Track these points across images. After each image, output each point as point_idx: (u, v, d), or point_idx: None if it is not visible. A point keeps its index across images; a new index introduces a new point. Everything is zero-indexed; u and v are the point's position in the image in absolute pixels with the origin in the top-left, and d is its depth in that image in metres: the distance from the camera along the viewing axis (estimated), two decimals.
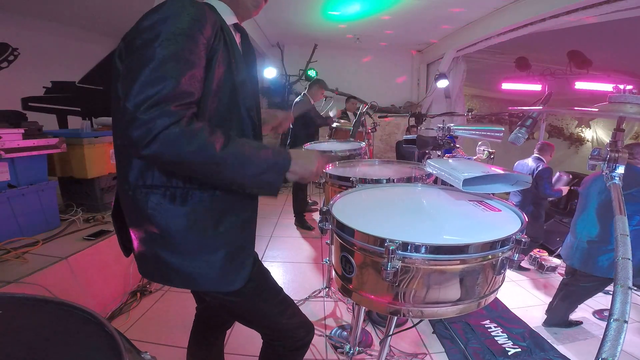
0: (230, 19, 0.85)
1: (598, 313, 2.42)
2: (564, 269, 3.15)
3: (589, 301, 2.33)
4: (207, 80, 0.73)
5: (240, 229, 0.86)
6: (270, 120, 1.18)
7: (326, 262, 2.38)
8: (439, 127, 1.52)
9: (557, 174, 3.14)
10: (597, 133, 8.48)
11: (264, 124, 1.12)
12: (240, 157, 0.71)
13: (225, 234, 0.82)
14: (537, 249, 3.32)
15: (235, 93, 0.80)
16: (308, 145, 2.07)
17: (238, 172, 0.72)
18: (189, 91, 0.67)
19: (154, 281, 0.83)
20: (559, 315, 2.24)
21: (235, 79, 0.79)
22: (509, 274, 2.96)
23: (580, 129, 8.60)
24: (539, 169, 2.99)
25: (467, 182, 0.91)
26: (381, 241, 0.64)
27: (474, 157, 1.84)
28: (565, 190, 3.10)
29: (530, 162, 3.10)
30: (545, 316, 2.28)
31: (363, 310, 1.46)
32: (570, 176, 3.23)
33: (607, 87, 5.22)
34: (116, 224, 0.90)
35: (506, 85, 6.07)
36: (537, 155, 3.11)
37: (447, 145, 1.53)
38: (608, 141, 0.79)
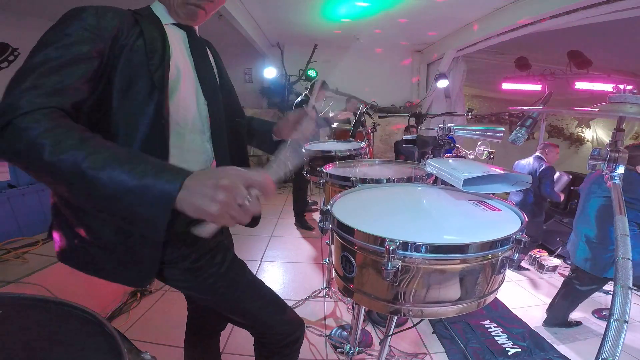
0: (168, 18, 0.85)
1: (597, 313, 2.42)
2: (564, 269, 3.16)
3: (588, 301, 2.33)
4: (110, 74, 0.71)
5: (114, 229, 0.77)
6: (283, 126, 1.05)
7: (326, 262, 2.38)
8: (439, 127, 1.52)
9: (558, 173, 3.14)
10: (597, 133, 8.49)
11: (278, 131, 1.05)
12: (89, 169, 0.53)
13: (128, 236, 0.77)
14: (537, 249, 3.32)
15: (152, 88, 0.74)
16: (308, 146, 2.07)
17: (86, 193, 0.55)
18: (57, 81, 0.61)
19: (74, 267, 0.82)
20: (560, 313, 2.24)
21: (152, 74, 0.74)
22: (509, 274, 2.96)
23: (580, 129, 8.60)
24: (542, 168, 2.98)
25: (467, 182, 0.91)
26: (381, 241, 0.64)
27: (471, 154, 1.84)
28: (562, 196, 3.10)
29: (531, 162, 3.10)
30: (546, 316, 2.28)
31: (363, 310, 1.46)
32: (570, 177, 3.23)
33: (607, 87, 5.23)
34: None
35: (506, 85, 6.07)
36: (539, 154, 3.10)
37: (447, 145, 1.53)
38: (608, 141, 0.79)
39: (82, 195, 0.56)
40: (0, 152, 0.56)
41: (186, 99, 0.84)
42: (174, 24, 0.86)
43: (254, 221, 1.06)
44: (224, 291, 0.88)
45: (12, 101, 0.56)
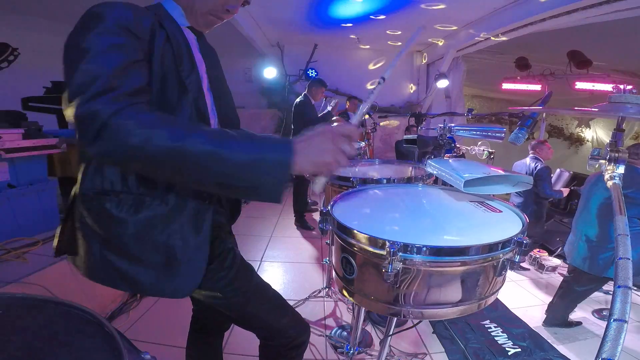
0: (184, 21, 0.83)
1: (597, 312, 2.42)
2: (564, 269, 3.16)
3: (589, 301, 2.33)
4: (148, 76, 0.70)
5: (183, 238, 0.78)
6: None
7: (326, 262, 2.38)
8: (440, 127, 1.52)
9: (557, 170, 3.14)
10: (597, 133, 8.48)
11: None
12: (215, 148, 0.58)
13: (167, 242, 0.77)
14: (537, 249, 3.32)
15: (184, 91, 0.76)
16: None
17: (213, 166, 0.59)
18: (129, 83, 0.62)
19: (101, 283, 0.79)
20: (559, 313, 2.24)
21: (183, 77, 0.75)
22: (509, 274, 2.95)
23: (580, 129, 8.60)
24: (537, 168, 2.98)
25: (468, 183, 0.91)
26: (382, 243, 0.64)
27: (472, 150, 1.84)
28: (565, 191, 3.09)
29: (528, 162, 3.10)
30: (545, 316, 2.28)
31: (363, 310, 1.46)
32: (571, 172, 3.22)
33: (607, 87, 5.23)
34: (64, 222, 0.86)
35: (506, 85, 6.07)
36: (533, 154, 3.11)
37: (447, 145, 1.53)
38: (608, 141, 0.79)
39: (204, 174, 0.60)
40: (105, 152, 0.57)
41: (201, 106, 0.83)
42: (188, 27, 0.85)
43: (231, 220, 1.05)
44: (232, 295, 0.88)
45: (91, 105, 0.56)
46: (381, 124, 6.10)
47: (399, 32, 5.03)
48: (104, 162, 0.72)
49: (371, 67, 6.48)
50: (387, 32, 5.16)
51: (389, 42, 5.85)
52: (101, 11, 0.65)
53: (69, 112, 0.58)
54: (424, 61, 6.49)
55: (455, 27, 4.79)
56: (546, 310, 2.30)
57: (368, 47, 6.15)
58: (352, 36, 5.44)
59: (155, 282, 0.77)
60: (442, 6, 3.91)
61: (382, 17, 4.46)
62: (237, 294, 0.88)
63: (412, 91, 6.68)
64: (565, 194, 3.11)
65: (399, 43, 5.63)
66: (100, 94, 0.57)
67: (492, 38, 4.35)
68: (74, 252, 0.83)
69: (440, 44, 5.57)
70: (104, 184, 0.74)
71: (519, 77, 5.90)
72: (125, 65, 0.62)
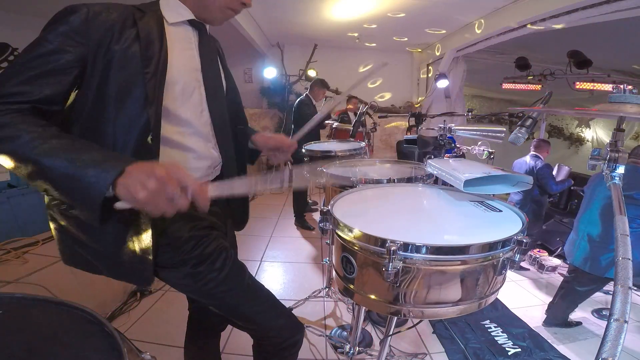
0: (179, 15, 0.81)
1: (597, 312, 2.42)
2: (564, 268, 3.16)
3: (589, 301, 2.33)
4: (94, 86, 0.70)
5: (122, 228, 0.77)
6: (261, 140, 1.08)
7: (326, 262, 2.38)
8: (440, 127, 1.52)
9: (557, 165, 3.14)
10: (597, 133, 8.49)
11: (255, 141, 1.08)
12: (37, 159, 0.59)
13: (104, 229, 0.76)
14: (537, 249, 3.32)
15: (147, 96, 0.72)
16: (308, 146, 2.07)
17: (36, 176, 0.61)
18: (27, 90, 0.64)
19: (82, 269, 0.85)
20: (559, 313, 2.24)
21: (147, 88, 0.72)
22: (509, 274, 2.96)
23: (580, 129, 8.61)
24: (538, 167, 2.99)
25: (468, 182, 0.91)
26: (382, 242, 0.64)
27: (472, 149, 1.83)
28: (570, 182, 3.09)
29: (528, 160, 3.10)
30: (545, 316, 2.28)
31: (363, 310, 1.46)
32: (570, 167, 3.22)
33: (607, 87, 5.23)
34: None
35: (506, 85, 6.07)
36: (534, 152, 3.11)
37: (447, 145, 1.53)
38: (608, 141, 0.79)
39: (34, 179, 0.62)
40: None
41: (190, 104, 0.82)
42: (189, 21, 0.83)
43: (239, 225, 1.07)
44: (223, 296, 0.88)
45: None
46: (386, 125, 6.12)
47: (393, 26, 5.00)
48: None
49: (367, 65, 6.47)
50: (386, 32, 5.15)
51: (389, 42, 5.85)
52: (62, 14, 0.69)
53: None
54: (429, 73, 6.48)
55: (455, 28, 4.79)
56: (546, 310, 2.30)
57: (368, 46, 6.14)
58: (351, 34, 5.43)
59: (106, 267, 0.82)
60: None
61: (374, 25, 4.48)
62: (229, 295, 0.88)
63: (412, 91, 6.66)
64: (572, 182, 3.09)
65: (406, 39, 5.61)
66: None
67: (492, 38, 4.34)
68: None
69: (440, 43, 5.57)
70: None
71: (519, 78, 5.90)
72: (39, 74, 0.65)
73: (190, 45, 0.84)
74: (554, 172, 3.07)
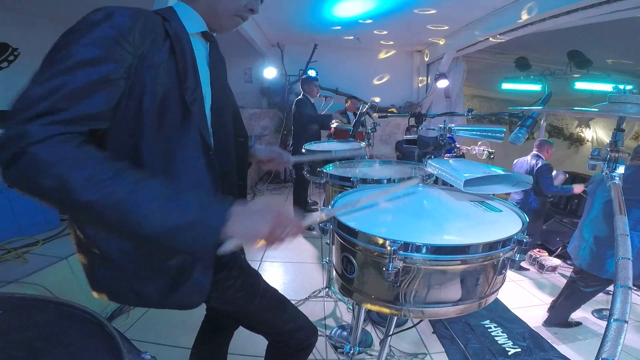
0: (196, 26, 0.77)
1: (597, 312, 2.42)
2: (564, 268, 3.16)
3: (589, 301, 2.33)
4: (140, 98, 0.63)
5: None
6: (258, 152, 1.09)
7: (326, 262, 2.38)
8: (440, 127, 1.52)
9: (554, 171, 3.13)
10: (597, 133, 8.48)
11: (256, 159, 1.09)
12: (131, 208, 0.52)
13: (168, 258, 0.74)
14: (537, 249, 3.32)
15: (187, 114, 0.69)
16: (308, 146, 2.07)
17: (131, 227, 0.53)
18: (79, 108, 0.55)
19: (115, 302, 0.77)
20: (562, 313, 2.23)
21: (186, 97, 0.68)
22: (509, 274, 2.95)
23: (580, 129, 8.60)
24: (538, 166, 2.98)
25: (468, 182, 0.91)
26: (382, 241, 0.64)
27: (472, 149, 1.84)
28: (578, 188, 2.98)
29: (529, 160, 3.10)
30: (546, 315, 2.28)
31: (363, 310, 1.46)
32: (567, 175, 3.21)
33: (607, 87, 5.23)
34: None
35: (506, 85, 6.07)
36: (536, 152, 3.11)
37: (447, 145, 1.53)
38: (608, 141, 0.79)
39: (122, 232, 0.56)
40: (17, 184, 0.51)
41: (202, 130, 0.77)
42: (201, 33, 0.79)
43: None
44: (241, 302, 0.88)
45: (24, 127, 0.50)
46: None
47: (385, 32, 5.01)
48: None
49: (367, 65, 6.47)
50: (386, 32, 5.16)
51: (389, 42, 5.85)
52: (101, 18, 0.59)
53: (6, 124, 0.50)
54: (424, 61, 6.48)
55: (455, 27, 4.79)
56: (549, 309, 2.30)
57: (368, 46, 6.14)
58: (350, 37, 5.43)
59: (160, 297, 0.76)
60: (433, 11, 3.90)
61: (369, 21, 4.49)
62: (246, 301, 0.88)
63: (421, 85, 6.62)
64: (577, 191, 2.99)
65: (406, 39, 5.60)
66: (39, 115, 0.51)
67: (491, 38, 4.34)
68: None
69: (441, 43, 5.57)
70: None
71: (521, 77, 5.90)
72: (89, 86, 0.56)
73: (204, 59, 0.81)
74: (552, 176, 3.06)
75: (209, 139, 0.75)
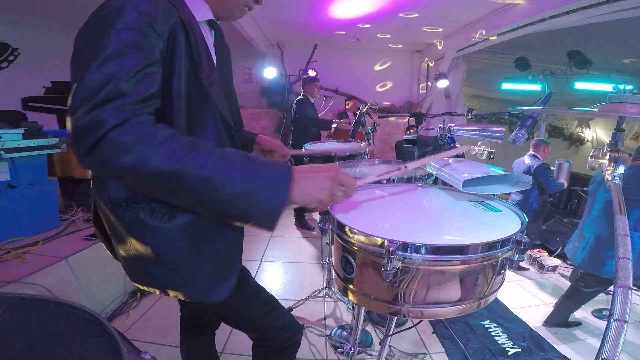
0: (203, 14, 0.77)
1: (597, 312, 2.42)
2: (564, 269, 3.16)
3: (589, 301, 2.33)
4: (168, 82, 0.66)
5: (226, 245, 0.79)
6: (262, 142, 1.14)
7: (326, 262, 2.38)
8: (440, 127, 1.52)
9: (556, 163, 3.12)
10: (597, 133, 8.49)
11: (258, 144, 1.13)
12: (211, 174, 0.56)
13: (210, 250, 0.77)
14: (537, 249, 3.32)
15: (205, 97, 0.72)
16: (308, 146, 2.07)
17: (207, 194, 0.56)
18: (140, 89, 0.58)
19: (146, 289, 0.79)
20: (562, 313, 2.23)
21: (203, 81, 0.70)
22: (509, 274, 2.96)
23: (580, 129, 8.60)
24: (534, 167, 2.99)
25: (467, 182, 0.91)
26: (381, 242, 0.64)
27: (472, 149, 1.83)
28: (565, 183, 3.05)
29: (526, 160, 3.11)
30: (551, 313, 2.28)
31: (363, 310, 1.46)
32: (570, 162, 3.19)
33: (607, 87, 5.23)
34: (100, 232, 0.85)
35: (506, 85, 6.07)
36: (532, 152, 3.12)
37: (447, 145, 1.53)
38: (608, 141, 0.79)
39: (198, 199, 0.58)
40: (98, 166, 0.55)
41: (223, 111, 0.79)
42: (207, 21, 0.80)
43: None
44: (227, 300, 0.88)
45: (97, 115, 0.52)
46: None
47: (388, 36, 5.02)
48: (94, 172, 0.70)
49: (367, 65, 6.47)
50: (386, 32, 5.16)
51: (388, 42, 5.85)
52: (124, 5, 0.60)
53: (70, 121, 0.54)
54: (431, 65, 6.47)
55: (455, 28, 4.79)
56: (553, 311, 2.29)
57: (368, 46, 6.14)
58: (350, 37, 5.43)
59: (198, 288, 0.77)
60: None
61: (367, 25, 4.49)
62: (232, 299, 0.88)
63: (422, 92, 6.63)
64: (565, 185, 3.06)
65: (406, 39, 5.61)
66: (107, 100, 0.53)
67: (491, 38, 4.34)
68: (115, 257, 0.84)
69: (440, 44, 5.57)
70: (135, 191, 0.71)
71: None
72: (140, 68, 0.58)
73: (209, 45, 0.81)
74: (555, 170, 3.06)
75: (230, 119, 0.78)
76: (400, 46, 6.17)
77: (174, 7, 0.70)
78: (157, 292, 0.78)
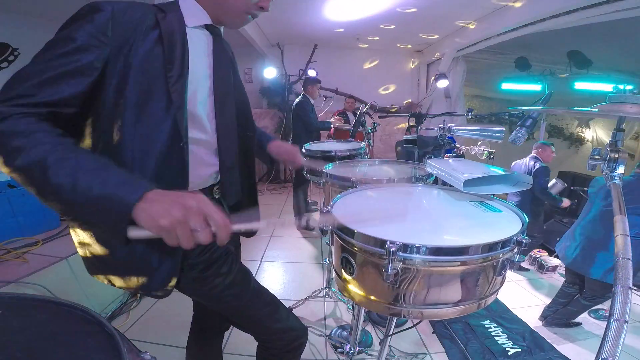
0: (198, 19, 0.79)
1: (596, 313, 2.41)
2: (564, 269, 3.15)
3: None
4: (117, 83, 0.67)
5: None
6: (275, 147, 1.15)
7: (326, 262, 2.38)
8: (440, 127, 1.52)
9: (554, 180, 3.11)
10: (597, 133, 8.48)
11: (271, 147, 1.13)
12: (54, 179, 0.55)
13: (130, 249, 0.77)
14: (537, 249, 3.32)
15: (169, 100, 0.71)
16: (308, 146, 2.07)
17: (52, 198, 0.57)
18: (47, 93, 0.61)
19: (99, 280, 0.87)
20: (566, 315, 2.22)
21: (170, 86, 0.70)
22: (509, 274, 2.96)
23: (580, 129, 8.59)
24: (536, 167, 2.98)
25: (467, 182, 0.91)
26: (382, 242, 0.64)
27: (471, 149, 1.83)
28: (566, 203, 3.03)
29: (527, 162, 3.10)
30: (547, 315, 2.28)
31: (363, 310, 1.46)
32: (565, 185, 3.20)
33: (607, 87, 5.23)
34: None
35: (506, 85, 6.07)
36: (535, 154, 3.11)
37: (447, 145, 1.53)
38: (608, 141, 0.79)
39: (49, 200, 0.58)
40: None
41: (196, 110, 0.80)
42: (205, 26, 0.81)
43: (249, 234, 1.06)
44: (229, 300, 0.88)
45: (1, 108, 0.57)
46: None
47: (393, 26, 5.00)
48: None
49: (367, 65, 6.47)
50: (386, 32, 5.15)
51: (389, 42, 5.84)
52: (82, 12, 0.65)
53: None
54: (423, 61, 6.47)
55: (455, 27, 4.79)
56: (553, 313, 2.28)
57: (368, 46, 6.14)
58: (350, 37, 5.43)
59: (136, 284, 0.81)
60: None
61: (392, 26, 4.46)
62: (235, 299, 0.88)
63: (412, 91, 6.65)
64: (564, 205, 3.05)
65: (406, 38, 5.61)
66: (10, 99, 0.58)
67: (492, 38, 4.34)
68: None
69: (441, 43, 5.57)
70: None
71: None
72: (60, 74, 0.61)
73: (205, 50, 0.81)
74: (550, 184, 3.04)
75: (183, 129, 0.74)
76: (400, 46, 6.17)
77: (161, 11, 0.72)
78: (105, 282, 0.84)
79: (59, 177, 0.55)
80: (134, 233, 0.56)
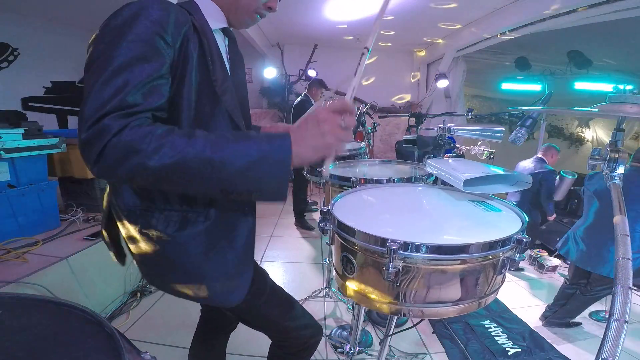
0: (217, 22, 0.79)
1: (596, 313, 2.41)
2: (564, 268, 3.15)
3: None
4: (178, 90, 0.67)
5: (238, 248, 0.80)
6: None
7: (326, 262, 2.38)
8: (439, 127, 1.52)
9: (557, 178, 3.10)
10: (597, 133, 8.48)
11: None
12: (213, 155, 0.57)
13: (224, 255, 0.77)
14: (538, 249, 3.32)
15: (218, 104, 0.72)
16: None
17: (215, 174, 0.58)
18: (148, 102, 0.60)
19: (165, 291, 0.82)
20: (566, 314, 2.22)
21: (217, 88, 0.71)
22: (509, 274, 2.96)
23: (580, 129, 8.59)
24: (544, 171, 2.96)
25: (467, 182, 0.91)
26: (382, 241, 0.64)
27: (472, 149, 1.83)
28: (552, 218, 3.14)
29: (532, 163, 3.09)
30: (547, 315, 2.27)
31: (363, 310, 1.46)
32: (576, 175, 3.18)
33: (607, 87, 5.23)
34: (110, 238, 0.87)
35: (506, 85, 6.07)
36: (540, 156, 3.09)
37: (447, 145, 1.53)
38: (608, 141, 0.79)
39: (211, 181, 0.58)
40: (108, 174, 0.57)
41: (235, 118, 0.80)
42: (221, 29, 0.81)
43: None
44: (248, 298, 0.87)
45: (103, 122, 0.54)
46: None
47: (392, 32, 5.02)
48: (107, 180, 0.71)
49: (377, 67, 6.47)
50: (386, 32, 5.16)
51: (389, 42, 5.85)
52: (136, 13, 0.61)
53: (79, 132, 0.55)
54: (424, 61, 6.47)
55: (455, 27, 4.79)
56: (556, 312, 2.28)
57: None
58: (350, 37, 5.43)
59: (211, 294, 0.78)
60: (453, 5, 3.88)
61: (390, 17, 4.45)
62: (253, 298, 0.88)
63: (413, 80, 6.62)
64: (552, 218, 3.13)
65: (406, 39, 5.61)
66: (114, 109, 0.55)
67: (492, 38, 4.34)
68: (121, 262, 0.88)
69: (441, 43, 5.57)
70: (148, 200, 0.73)
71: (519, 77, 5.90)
72: (148, 80, 0.60)
73: (222, 53, 0.81)
74: (557, 181, 3.02)
75: (243, 126, 0.77)
76: (400, 46, 6.17)
77: (189, 13, 0.70)
78: (178, 296, 0.80)
79: (217, 153, 0.57)
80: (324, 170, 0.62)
